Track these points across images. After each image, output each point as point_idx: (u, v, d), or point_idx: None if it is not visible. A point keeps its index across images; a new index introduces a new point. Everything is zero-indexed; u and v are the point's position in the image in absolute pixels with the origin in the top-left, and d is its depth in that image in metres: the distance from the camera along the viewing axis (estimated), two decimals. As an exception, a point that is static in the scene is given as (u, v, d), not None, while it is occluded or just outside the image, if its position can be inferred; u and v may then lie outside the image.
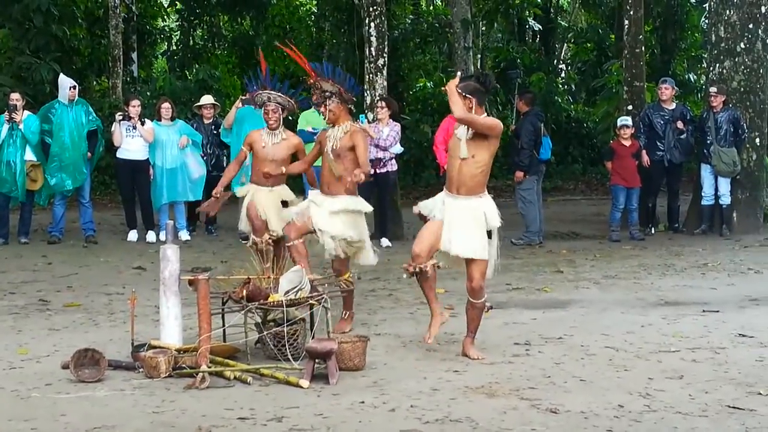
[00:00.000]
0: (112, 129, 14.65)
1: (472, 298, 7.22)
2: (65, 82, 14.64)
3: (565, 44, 29.72)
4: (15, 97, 14.21)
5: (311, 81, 9.16)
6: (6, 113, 13.95)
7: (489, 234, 7.25)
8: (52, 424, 5.69)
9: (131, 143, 14.32)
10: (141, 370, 6.93)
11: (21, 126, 13.83)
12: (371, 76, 15.20)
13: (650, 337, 7.83)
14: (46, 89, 18.51)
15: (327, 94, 8.61)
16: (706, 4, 18.22)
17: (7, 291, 10.70)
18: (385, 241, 12.96)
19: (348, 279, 8.49)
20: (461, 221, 7.23)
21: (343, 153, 8.33)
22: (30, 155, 14.07)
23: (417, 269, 7.36)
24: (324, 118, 8.91)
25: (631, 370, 6.72)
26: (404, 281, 8.73)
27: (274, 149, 9.74)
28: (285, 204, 9.54)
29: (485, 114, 7.54)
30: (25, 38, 23.27)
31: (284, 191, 9.80)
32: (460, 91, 7.46)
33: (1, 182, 13.90)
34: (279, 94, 9.66)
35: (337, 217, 8.26)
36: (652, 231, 14.40)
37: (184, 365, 6.89)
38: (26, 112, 14.07)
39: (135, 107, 14.43)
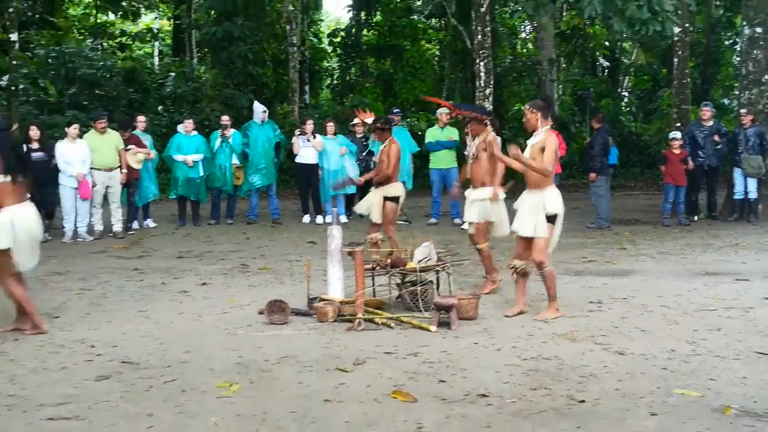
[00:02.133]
0: (293, 141, 15.25)
1: (537, 269, 7.33)
2: (258, 107, 15.38)
3: (627, 77, 29.52)
4: (225, 119, 15.12)
5: (454, 114, 9.93)
6: (220, 130, 14.84)
7: (551, 218, 7.26)
8: (252, 354, 6.18)
9: (306, 152, 14.83)
10: (314, 316, 7.38)
11: (230, 139, 14.70)
12: (480, 101, 15.56)
13: (694, 298, 7.93)
14: (245, 113, 18.94)
15: (467, 120, 9.01)
16: (737, 46, 18.18)
17: (218, 258, 11.24)
18: None
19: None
20: (525, 209, 7.37)
21: (480, 154, 8.46)
22: (235, 160, 14.77)
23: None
24: (467, 133, 9.08)
25: (680, 324, 6.91)
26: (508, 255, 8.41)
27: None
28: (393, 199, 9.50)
29: (549, 123, 7.59)
30: (230, 76, 24.19)
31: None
32: (529, 107, 7.78)
33: (215, 179, 14.71)
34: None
35: (498, 204, 8.36)
36: (695, 219, 14.62)
37: (345, 313, 7.26)
38: (232, 130, 14.92)
39: (309, 125, 14.96)
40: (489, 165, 8.38)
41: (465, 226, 8.80)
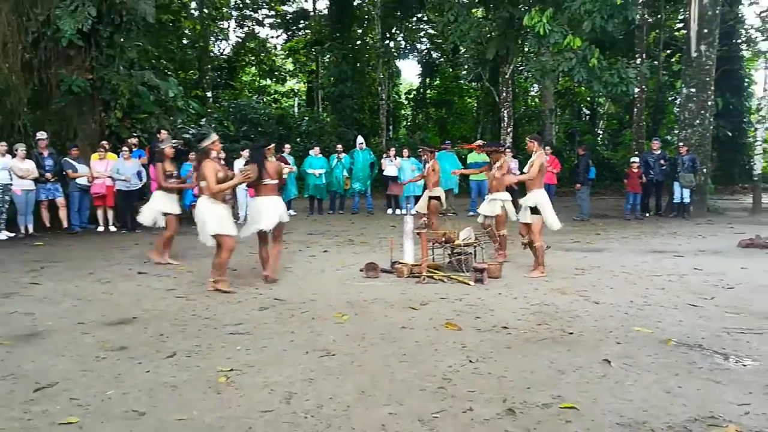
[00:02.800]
0: (382, 161, 15.22)
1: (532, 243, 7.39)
2: (360, 139, 15.52)
3: (602, 120, 28.90)
4: (339, 147, 15.19)
5: (480, 150, 9.77)
6: (335, 154, 14.82)
7: (535, 210, 7.33)
8: (356, 296, 6.25)
9: (389, 168, 14.74)
10: (395, 273, 7.35)
11: (342, 160, 14.69)
12: (504, 137, 15.51)
13: (646, 268, 7.77)
14: (351, 143, 18.77)
15: (490, 151, 8.80)
16: (677, 100, 17.80)
17: (333, 235, 11.10)
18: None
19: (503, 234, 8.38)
20: (524, 205, 7.48)
21: (497, 172, 8.32)
22: (345, 173, 14.70)
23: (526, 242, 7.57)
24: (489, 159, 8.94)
25: (636, 284, 6.78)
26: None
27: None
28: (438, 199, 9.60)
29: (541, 150, 7.65)
30: (342, 120, 24.32)
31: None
32: (529, 138, 7.92)
33: (332, 185, 14.73)
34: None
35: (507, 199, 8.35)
36: (647, 215, 14.17)
37: (415, 272, 7.22)
38: (343, 154, 14.87)
39: (391, 151, 15.06)
40: (503, 179, 8.32)
41: (479, 218, 8.65)
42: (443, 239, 7.67)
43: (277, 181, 7.00)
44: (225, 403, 3.56)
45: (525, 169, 7.65)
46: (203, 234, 6.52)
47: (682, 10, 23.05)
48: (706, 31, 13.82)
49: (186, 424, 3.28)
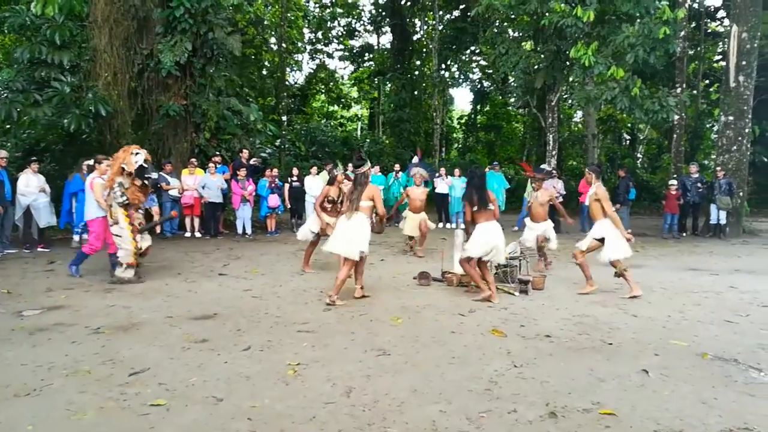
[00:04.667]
0: (435, 179, 14.52)
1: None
2: (415, 159, 14.70)
3: (641, 145, 27.94)
4: (397, 167, 15.10)
5: (530, 173, 9.37)
6: (393, 173, 14.81)
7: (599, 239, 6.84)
8: (409, 301, 6.16)
9: (441, 186, 14.35)
10: (445, 282, 7.31)
11: (399, 178, 14.64)
12: (548, 160, 15.14)
13: (683, 284, 7.56)
14: (407, 163, 19.16)
15: (536, 178, 8.79)
16: (715, 128, 17.10)
17: (389, 245, 11.06)
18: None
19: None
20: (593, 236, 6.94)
21: (539, 200, 8.27)
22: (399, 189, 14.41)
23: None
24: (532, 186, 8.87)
25: (674, 300, 6.57)
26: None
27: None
28: None
29: (600, 180, 7.05)
30: (400, 142, 24.45)
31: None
32: (588, 170, 7.34)
33: (390, 200, 14.29)
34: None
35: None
36: (684, 235, 13.61)
37: (463, 282, 7.05)
38: (401, 173, 14.76)
39: (443, 171, 14.72)
40: (542, 207, 8.25)
41: (526, 244, 8.31)
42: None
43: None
44: (292, 393, 3.59)
45: (587, 201, 7.14)
46: (351, 247, 6.00)
47: (721, 43, 22.22)
48: (744, 63, 13.32)
49: (258, 411, 3.32)
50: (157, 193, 11.76)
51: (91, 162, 10.22)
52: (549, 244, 8.40)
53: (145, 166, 7.11)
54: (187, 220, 12.11)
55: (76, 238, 10.22)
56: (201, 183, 11.83)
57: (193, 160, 12.35)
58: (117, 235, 7.09)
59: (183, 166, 12.42)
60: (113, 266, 7.29)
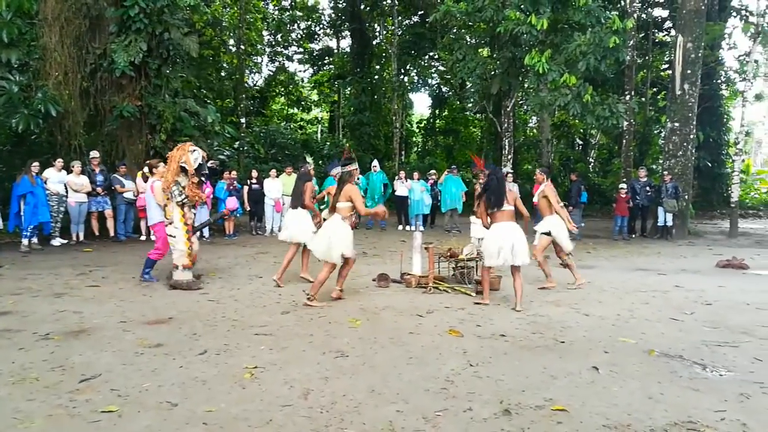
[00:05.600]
0: (394, 182, 15.03)
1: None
2: (375, 162, 15.36)
3: (593, 150, 28.72)
4: (353, 168, 15.28)
5: (481, 167, 8.99)
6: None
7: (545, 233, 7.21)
8: (368, 303, 6.24)
9: (401, 189, 14.53)
10: (404, 284, 7.32)
11: (359, 182, 13.68)
12: (505, 164, 15.35)
13: (632, 284, 7.69)
14: (367, 166, 18.55)
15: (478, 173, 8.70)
16: (662, 133, 17.65)
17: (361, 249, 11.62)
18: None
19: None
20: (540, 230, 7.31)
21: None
22: (361, 193, 14.92)
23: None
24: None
25: (623, 299, 6.69)
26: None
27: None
28: None
29: (549, 180, 7.39)
30: (360, 145, 24.22)
31: None
32: (539, 170, 7.62)
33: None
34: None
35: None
36: (633, 236, 14.00)
37: (422, 283, 7.14)
38: (360, 176, 13.93)
39: (402, 174, 14.91)
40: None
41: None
42: (448, 254, 7.59)
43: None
44: (249, 396, 3.54)
45: (536, 199, 7.39)
46: (330, 251, 5.93)
47: (667, 52, 23.05)
48: (689, 71, 13.80)
49: (213, 415, 3.27)
50: (111, 196, 11.50)
51: (37, 164, 10.01)
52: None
53: (202, 163, 6.93)
54: (143, 223, 11.77)
55: (24, 242, 9.87)
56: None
57: (149, 162, 12.01)
58: (171, 236, 6.90)
59: (138, 168, 12.10)
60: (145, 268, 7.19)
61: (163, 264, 7.61)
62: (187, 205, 6.92)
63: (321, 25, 30.31)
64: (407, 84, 27.29)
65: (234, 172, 13.26)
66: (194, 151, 6.91)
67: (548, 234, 7.20)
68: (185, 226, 6.90)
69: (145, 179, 7.69)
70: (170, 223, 6.87)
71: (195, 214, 7.44)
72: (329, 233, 5.99)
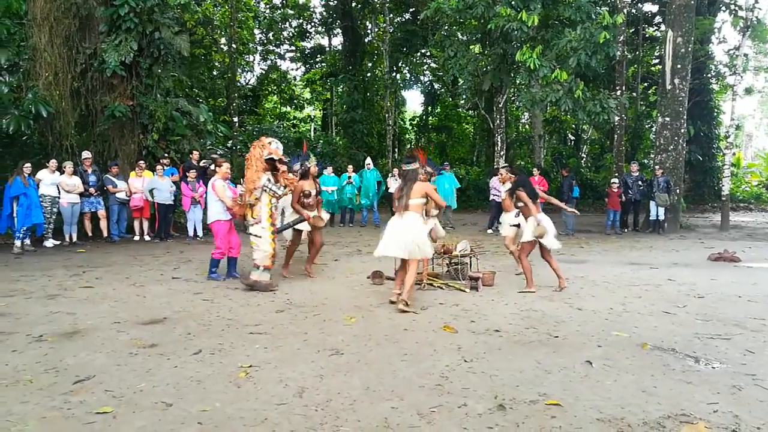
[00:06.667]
0: (388, 180, 14.86)
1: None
2: (368, 160, 15.43)
3: (585, 145, 28.81)
4: (350, 168, 15.02)
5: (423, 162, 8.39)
6: (347, 173, 14.70)
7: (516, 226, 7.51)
8: (363, 300, 6.28)
9: (395, 185, 14.21)
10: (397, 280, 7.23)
11: (353, 180, 14.64)
12: (497, 160, 15.44)
13: (624, 278, 7.70)
14: (361, 164, 18.36)
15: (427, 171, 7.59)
16: (654, 128, 17.68)
17: (344, 245, 11.05)
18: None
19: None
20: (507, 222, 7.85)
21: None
22: (355, 191, 14.67)
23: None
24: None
25: (616, 293, 6.70)
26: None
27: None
28: None
29: (513, 178, 7.34)
30: (353, 143, 24.38)
31: None
32: (504, 169, 7.86)
33: (343, 201, 14.62)
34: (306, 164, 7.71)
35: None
36: (625, 231, 14.06)
37: (416, 280, 6.84)
38: (354, 173, 14.78)
39: (395, 171, 14.68)
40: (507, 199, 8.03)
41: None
42: (442, 250, 7.60)
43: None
44: (244, 396, 3.53)
45: (502, 195, 7.78)
46: (418, 248, 5.81)
47: (657, 47, 23.12)
48: (679, 66, 13.85)
49: (208, 415, 3.25)
50: (104, 196, 11.45)
51: (29, 165, 9.95)
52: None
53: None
54: (136, 223, 11.79)
55: (17, 243, 9.81)
56: (149, 186, 11.51)
57: (141, 162, 12.00)
58: (257, 236, 6.71)
59: (131, 168, 12.08)
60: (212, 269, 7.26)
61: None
62: (279, 198, 6.79)
63: (312, 23, 30.21)
64: (399, 81, 27.28)
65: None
66: (272, 142, 6.75)
67: (517, 226, 7.46)
68: (272, 227, 6.75)
69: (210, 176, 7.77)
70: (257, 223, 6.68)
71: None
72: (409, 233, 5.78)
